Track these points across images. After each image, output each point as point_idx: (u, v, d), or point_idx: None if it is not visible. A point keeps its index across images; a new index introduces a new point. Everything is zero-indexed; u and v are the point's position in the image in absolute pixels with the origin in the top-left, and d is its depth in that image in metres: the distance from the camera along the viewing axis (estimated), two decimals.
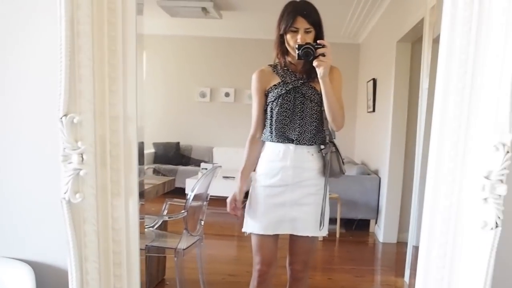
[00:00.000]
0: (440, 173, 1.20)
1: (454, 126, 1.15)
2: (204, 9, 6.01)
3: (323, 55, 2.09)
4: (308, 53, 2.09)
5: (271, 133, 2.28)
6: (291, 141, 2.25)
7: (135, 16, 1.42)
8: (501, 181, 1.11)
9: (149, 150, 7.88)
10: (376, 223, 5.54)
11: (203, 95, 8.27)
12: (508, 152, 1.07)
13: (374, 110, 6.06)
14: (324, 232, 2.31)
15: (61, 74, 1.43)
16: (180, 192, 5.59)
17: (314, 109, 2.24)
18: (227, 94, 8.21)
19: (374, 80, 6.04)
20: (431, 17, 3.54)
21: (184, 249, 3.01)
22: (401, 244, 4.97)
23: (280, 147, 2.27)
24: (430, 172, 1.28)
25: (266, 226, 2.27)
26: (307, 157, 2.27)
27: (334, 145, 2.32)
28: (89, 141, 1.56)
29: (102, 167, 1.60)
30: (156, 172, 7.38)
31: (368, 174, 5.65)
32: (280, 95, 2.24)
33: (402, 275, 3.98)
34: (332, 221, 4.96)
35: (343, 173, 2.36)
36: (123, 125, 1.57)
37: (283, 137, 2.26)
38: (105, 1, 1.40)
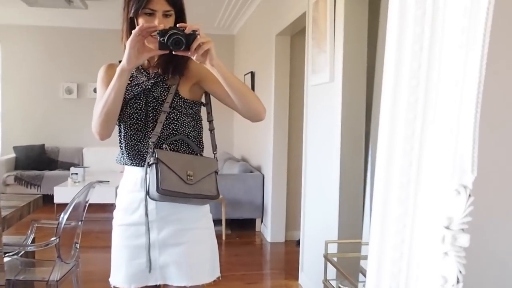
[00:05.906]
0: (387, 218, 0.99)
1: (405, 165, 0.94)
2: None
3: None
4: (179, 41, 1.51)
5: (123, 154, 1.75)
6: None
7: None
8: (463, 230, 0.91)
9: (9, 155, 7.09)
10: (262, 222, 5.41)
11: (69, 91, 7.57)
12: (470, 195, 0.88)
13: None
14: (214, 275, 1.81)
15: None
16: (48, 201, 5.05)
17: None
18: (96, 90, 7.60)
19: (252, 73, 5.89)
20: (314, 12, 3.41)
21: (57, 281, 2.59)
22: (289, 243, 4.95)
23: (137, 171, 1.72)
24: (376, 215, 1.05)
25: (130, 278, 1.72)
26: None
27: None
28: None
29: None
30: (18, 180, 6.63)
31: (251, 172, 5.49)
32: (127, 102, 1.71)
33: (294, 277, 3.89)
34: (217, 222, 4.75)
35: (219, 196, 1.78)
36: None
37: (137, 158, 1.71)
38: None
